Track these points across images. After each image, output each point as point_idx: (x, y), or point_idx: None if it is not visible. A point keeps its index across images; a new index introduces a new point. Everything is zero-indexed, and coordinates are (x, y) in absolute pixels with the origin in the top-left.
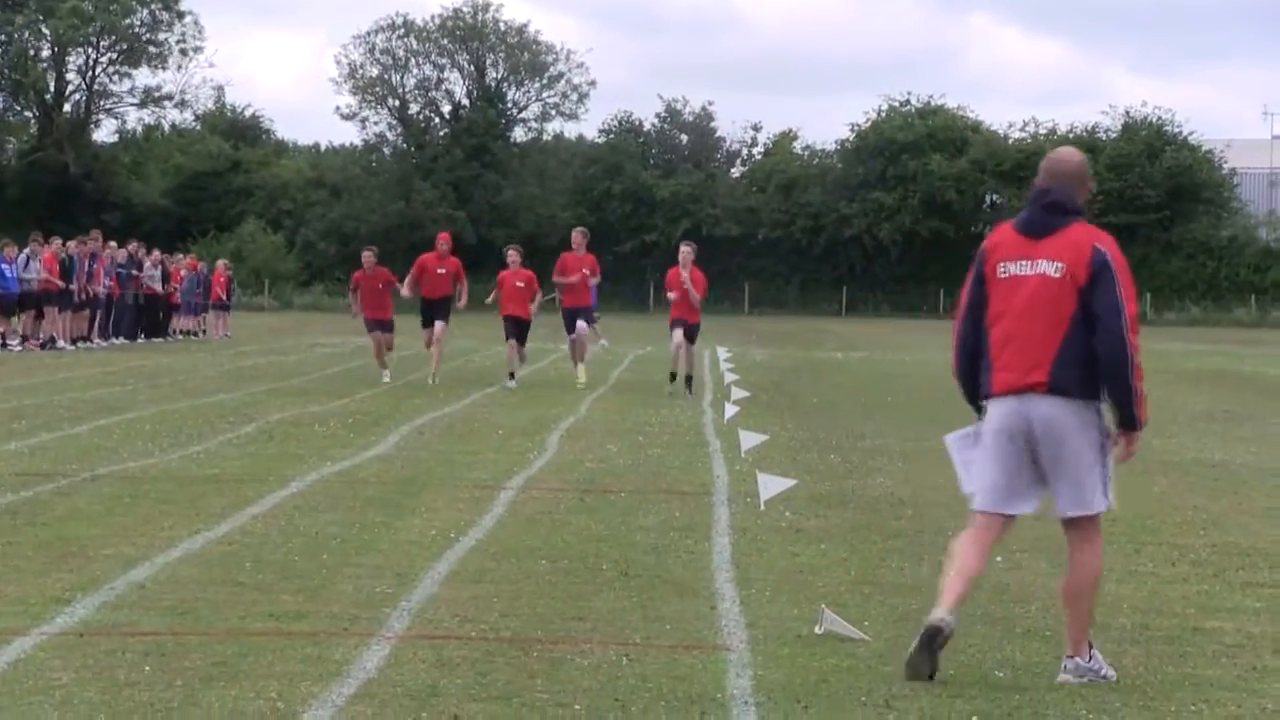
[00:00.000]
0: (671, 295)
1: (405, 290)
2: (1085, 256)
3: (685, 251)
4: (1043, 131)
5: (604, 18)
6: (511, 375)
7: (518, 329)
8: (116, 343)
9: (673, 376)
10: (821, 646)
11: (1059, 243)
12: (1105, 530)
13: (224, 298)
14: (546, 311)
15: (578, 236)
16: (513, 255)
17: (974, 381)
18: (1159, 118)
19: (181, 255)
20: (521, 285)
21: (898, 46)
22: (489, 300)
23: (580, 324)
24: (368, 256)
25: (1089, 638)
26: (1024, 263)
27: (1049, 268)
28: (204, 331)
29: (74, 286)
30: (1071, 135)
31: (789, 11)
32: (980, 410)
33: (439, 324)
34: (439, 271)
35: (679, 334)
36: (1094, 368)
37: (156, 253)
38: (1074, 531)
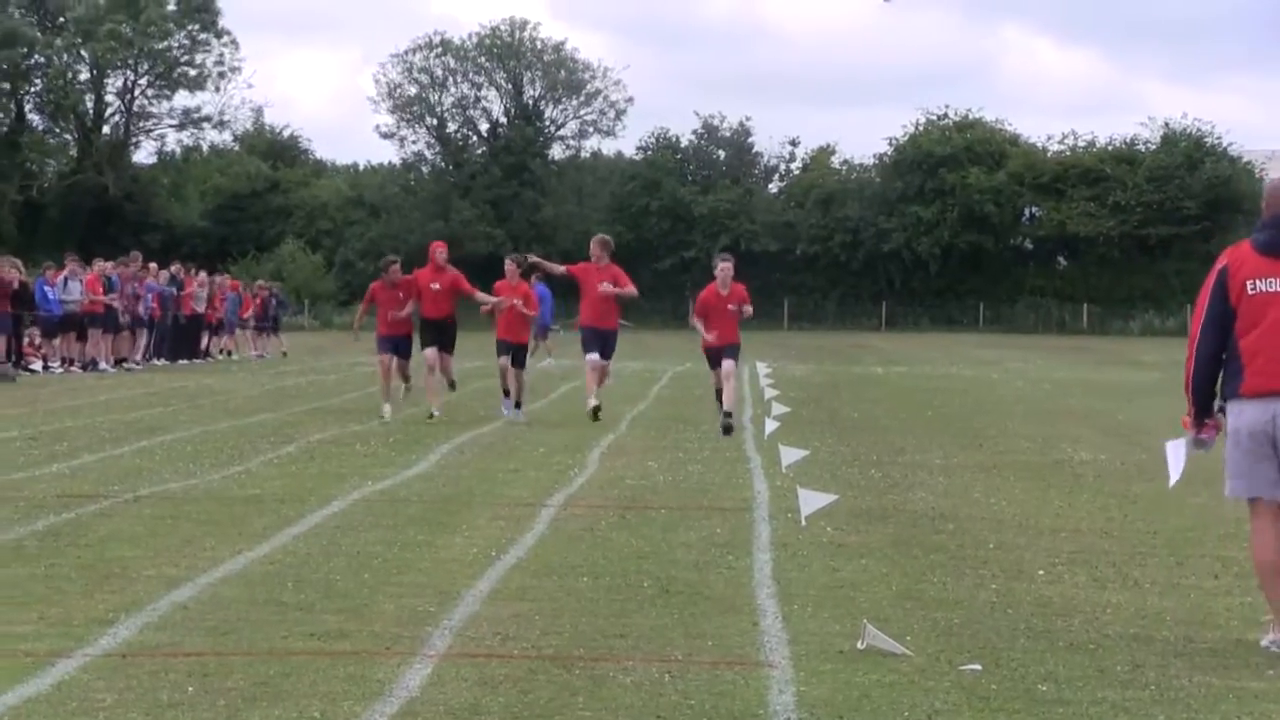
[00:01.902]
0: (710, 336)
1: (406, 308)
2: None
3: (725, 266)
4: (1081, 144)
5: (638, 33)
6: (517, 405)
7: (512, 351)
8: (157, 364)
9: (726, 414)
10: (864, 662)
11: None
12: (1147, 543)
13: (264, 318)
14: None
15: (596, 247)
16: (510, 268)
17: (1211, 386)
18: (1198, 129)
19: (221, 277)
20: (518, 304)
21: (931, 59)
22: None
23: (598, 356)
24: (395, 268)
25: None
26: (1272, 280)
27: None
28: (231, 351)
29: (117, 307)
30: (1110, 147)
31: (821, 25)
32: (1209, 413)
33: (432, 352)
34: (433, 287)
35: (722, 367)
36: None
37: (203, 274)
38: None
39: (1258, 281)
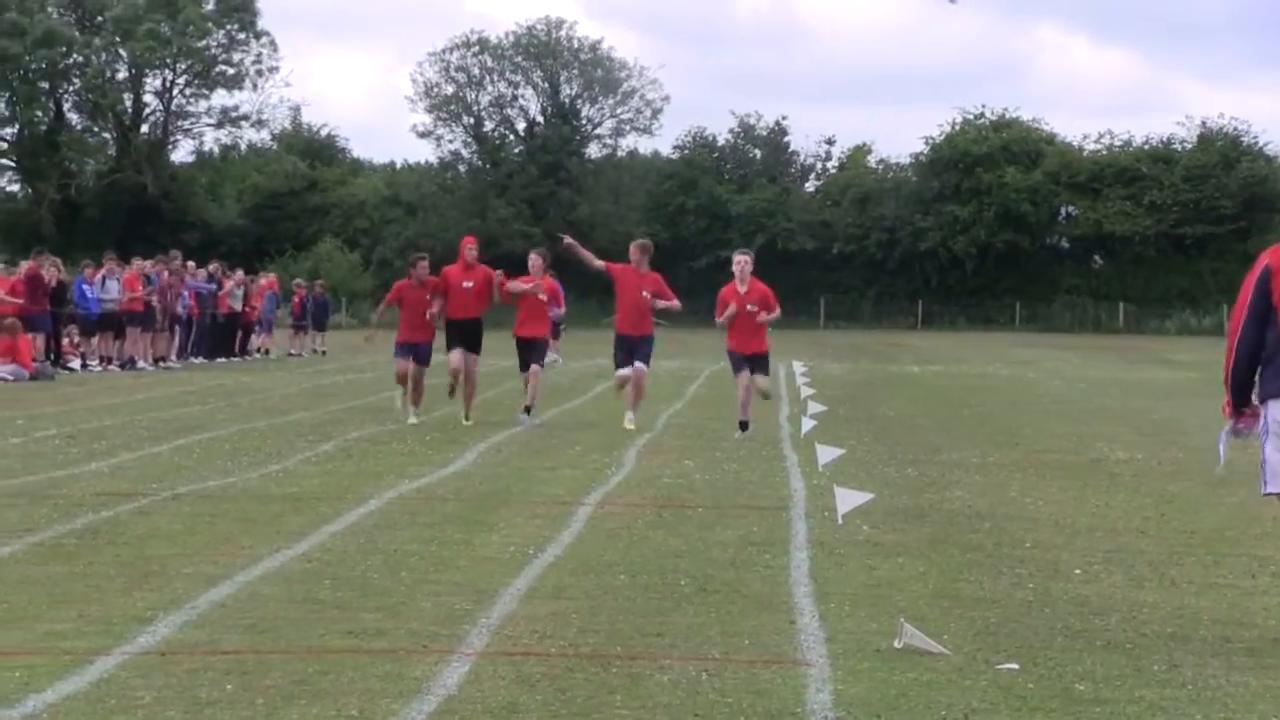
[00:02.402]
0: (720, 320)
1: (433, 308)
2: None
3: (742, 261)
4: (1117, 143)
5: (673, 32)
6: (527, 410)
7: (533, 353)
8: (195, 362)
9: (743, 426)
10: (901, 660)
11: None
12: (1183, 542)
13: (301, 316)
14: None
15: (636, 252)
16: (535, 261)
17: (1250, 379)
18: (1235, 128)
19: (258, 277)
20: (543, 299)
21: (967, 58)
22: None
23: (638, 364)
24: (422, 265)
25: None
26: None
27: None
28: (269, 350)
29: (156, 306)
30: (1146, 146)
31: (856, 24)
32: (1247, 403)
33: (459, 354)
34: (464, 285)
35: (744, 375)
36: None
37: (240, 273)
38: None
39: None
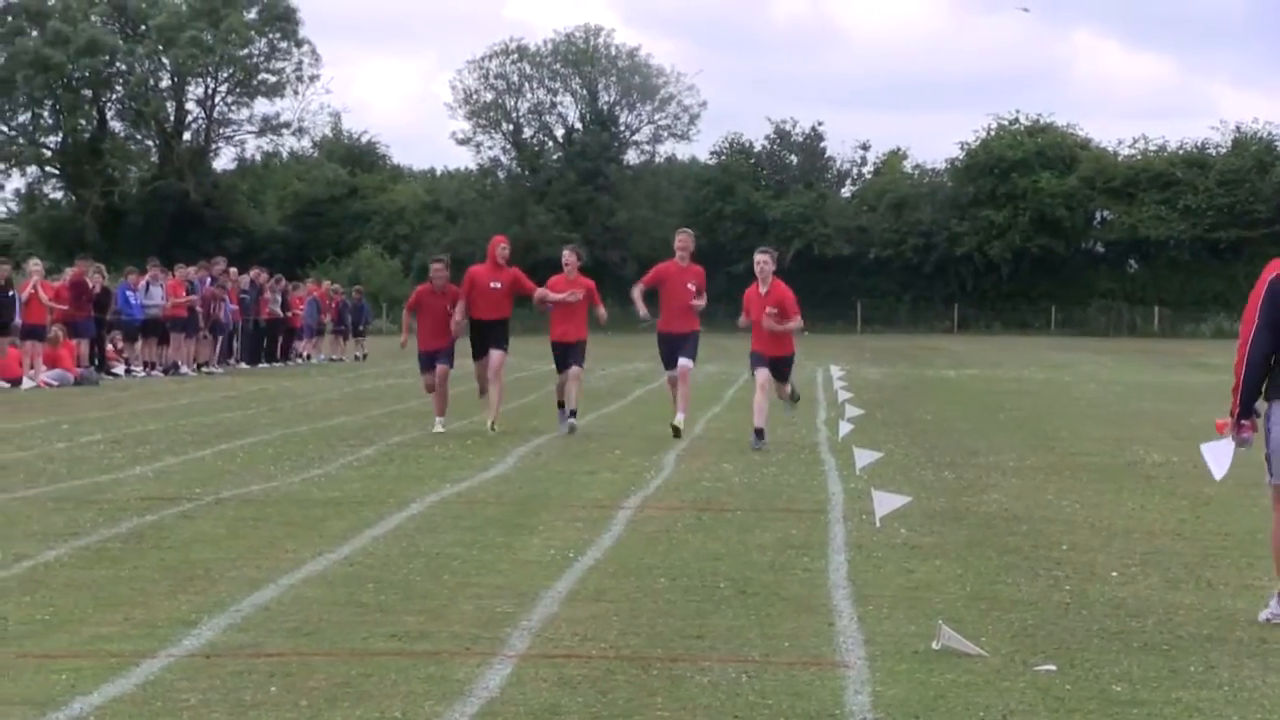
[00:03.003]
0: (742, 321)
1: (456, 315)
2: None
3: (762, 260)
4: (1152, 148)
5: (709, 39)
6: (572, 413)
7: (570, 355)
8: (238, 367)
9: (759, 434)
10: (939, 662)
11: None
12: (1219, 545)
13: (340, 322)
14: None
15: (684, 238)
16: (569, 258)
17: (1260, 388)
18: (1269, 133)
19: (300, 284)
20: (578, 298)
21: (1001, 64)
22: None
23: (683, 360)
24: (438, 269)
25: None
26: None
27: None
28: (310, 355)
29: (199, 311)
30: (1181, 151)
31: (891, 30)
32: (1250, 414)
33: (495, 353)
34: (492, 286)
35: (763, 374)
36: None
37: (282, 279)
38: None
39: None
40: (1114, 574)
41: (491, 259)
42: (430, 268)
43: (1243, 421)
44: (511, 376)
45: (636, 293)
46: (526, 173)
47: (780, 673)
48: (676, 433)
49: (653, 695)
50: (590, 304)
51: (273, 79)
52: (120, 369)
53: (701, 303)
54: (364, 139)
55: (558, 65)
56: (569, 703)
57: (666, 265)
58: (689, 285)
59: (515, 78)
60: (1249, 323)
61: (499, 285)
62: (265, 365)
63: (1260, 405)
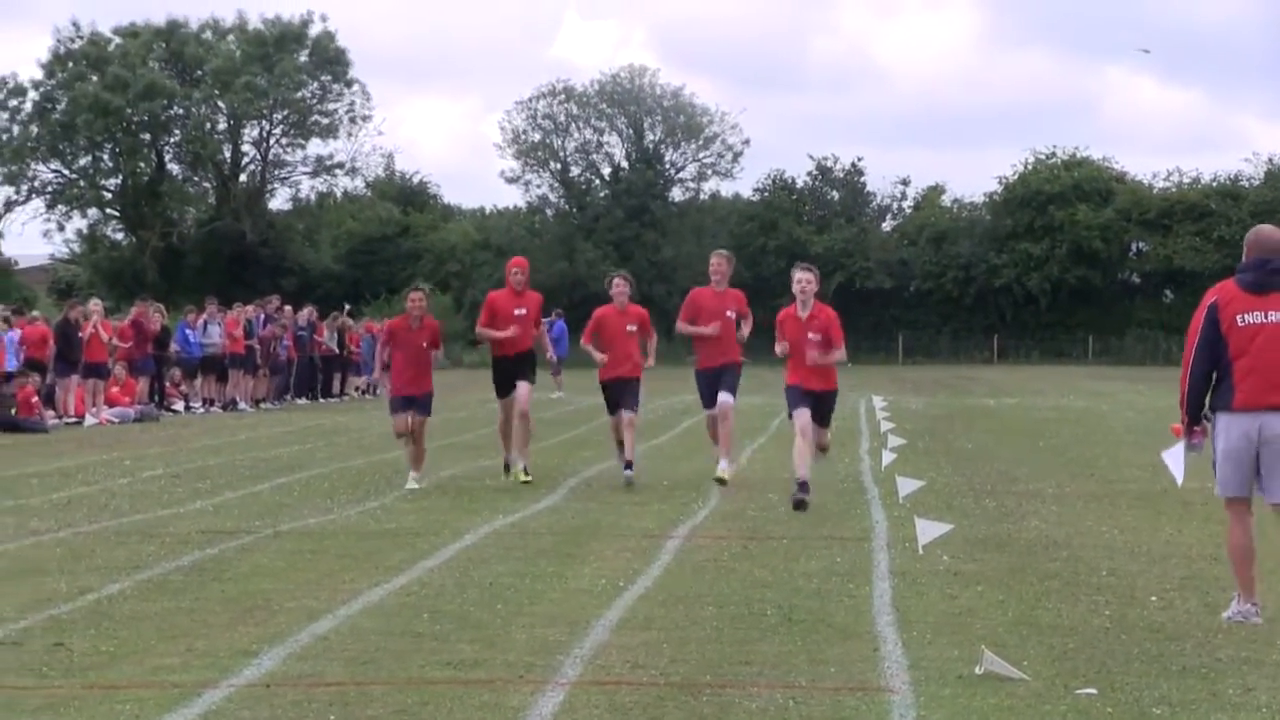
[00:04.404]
0: (779, 350)
1: (428, 360)
2: None
3: (806, 279)
4: (1186, 180)
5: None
6: (628, 464)
7: (625, 394)
8: (295, 403)
9: (802, 487)
10: (982, 686)
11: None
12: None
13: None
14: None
15: (722, 263)
16: (619, 286)
17: (1203, 400)
18: None
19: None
20: (633, 330)
21: (1036, 99)
22: (596, 356)
23: (722, 396)
24: (416, 300)
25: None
26: (1258, 313)
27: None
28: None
29: (256, 347)
30: (1215, 184)
31: (928, 68)
32: (1200, 420)
33: (522, 385)
34: (516, 313)
35: (804, 416)
36: None
37: (340, 315)
38: None
39: (1246, 315)
40: (1153, 598)
41: (510, 285)
42: (407, 299)
43: (1194, 428)
44: (559, 411)
45: (682, 330)
46: (574, 210)
47: (826, 698)
48: (721, 482)
49: None
50: (643, 337)
51: (325, 120)
52: (180, 405)
53: (745, 329)
54: (415, 179)
55: (604, 105)
56: None
57: (701, 292)
58: (728, 314)
59: (562, 118)
60: (1191, 343)
61: (524, 312)
62: (321, 401)
63: (1208, 414)
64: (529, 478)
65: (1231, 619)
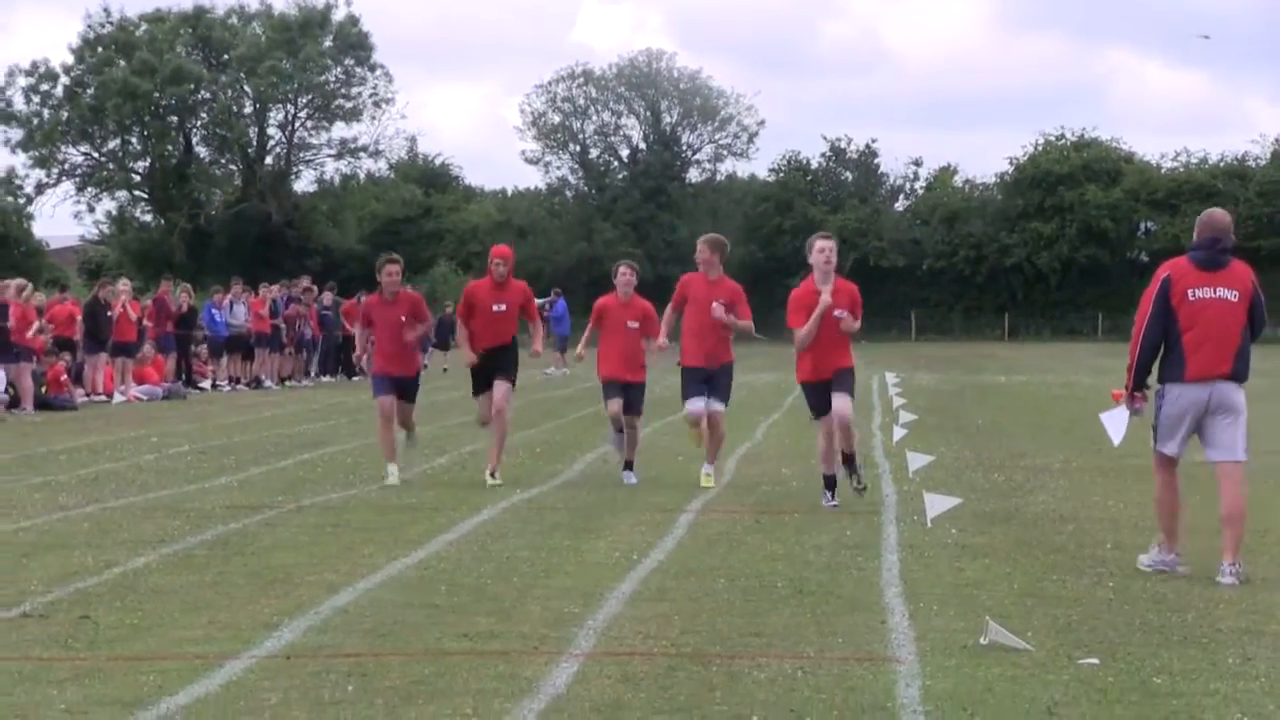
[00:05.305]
0: (802, 332)
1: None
2: (1248, 286)
3: (828, 248)
4: (1194, 161)
5: (765, 61)
6: (628, 465)
7: (626, 394)
8: (321, 380)
9: (829, 482)
10: (986, 657)
11: (1230, 275)
12: (1257, 541)
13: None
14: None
15: (706, 250)
16: (625, 274)
17: (1150, 369)
18: None
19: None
20: (634, 326)
21: (1046, 82)
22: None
23: (714, 405)
24: (391, 273)
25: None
26: (1208, 289)
27: (1228, 293)
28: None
29: (282, 326)
30: (1222, 164)
31: (940, 51)
32: (1143, 388)
33: (500, 384)
34: (494, 309)
35: (828, 421)
36: (1248, 360)
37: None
38: (1230, 471)
39: (1197, 290)
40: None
41: (490, 276)
42: (382, 270)
43: (1136, 394)
44: (576, 388)
45: (668, 319)
46: (593, 191)
47: (834, 668)
48: (708, 480)
49: (712, 690)
50: (645, 336)
51: (349, 104)
52: (207, 383)
53: (742, 324)
54: (438, 161)
55: (621, 88)
56: (632, 699)
57: (693, 278)
58: (716, 303)
59: (581, 101)
60: (1143, 314)
61: (503, 308)
62: (346, 379)
63: (1153, 383)
64: (497, 481)
65: (1153, 566)
